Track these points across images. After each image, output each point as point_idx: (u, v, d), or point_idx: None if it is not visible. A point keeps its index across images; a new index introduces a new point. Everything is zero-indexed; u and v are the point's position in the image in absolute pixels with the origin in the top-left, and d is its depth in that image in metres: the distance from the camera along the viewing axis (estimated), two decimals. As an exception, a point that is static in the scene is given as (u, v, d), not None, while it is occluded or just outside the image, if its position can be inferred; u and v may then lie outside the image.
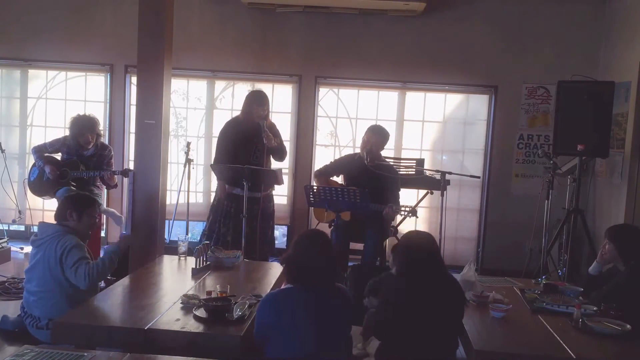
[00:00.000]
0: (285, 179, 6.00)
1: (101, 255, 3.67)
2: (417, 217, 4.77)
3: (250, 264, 4.25)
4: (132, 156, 5.54)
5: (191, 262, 3.94)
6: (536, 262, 5.33)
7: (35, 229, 6.46)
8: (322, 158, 6.26)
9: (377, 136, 4.88)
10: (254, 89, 5.41)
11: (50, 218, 6.16)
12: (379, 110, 6.29)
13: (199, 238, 5.42)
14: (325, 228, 4.91)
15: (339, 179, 5.14)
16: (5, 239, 5.72)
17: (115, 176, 5.24)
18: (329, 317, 2.72)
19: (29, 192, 5.65)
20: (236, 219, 4.88)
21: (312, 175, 5.18)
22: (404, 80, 6.23)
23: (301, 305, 2.70)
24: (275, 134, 5.09)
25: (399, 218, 5.53)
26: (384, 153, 5.09)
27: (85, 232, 3.72)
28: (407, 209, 4.67)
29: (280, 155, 5.14)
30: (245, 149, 4.95)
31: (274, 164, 5.29)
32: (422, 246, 2.99)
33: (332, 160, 5.34)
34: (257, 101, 4.97)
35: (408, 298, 2.87)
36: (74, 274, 3.41)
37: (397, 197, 4.87)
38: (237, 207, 4.86)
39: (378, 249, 4.82)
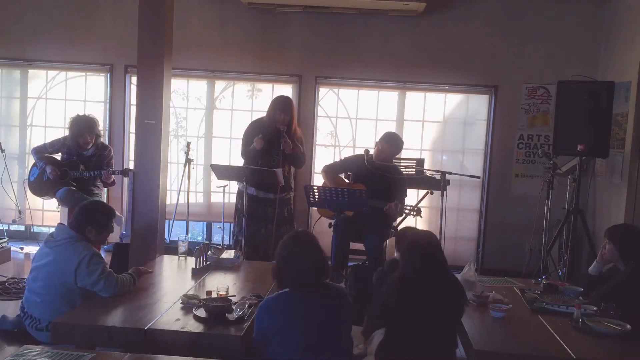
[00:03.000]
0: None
1: None
2: (421, 216, 4.77)
3: (250, 264, 4.26)
4: (132, 156, 5.54)
5: (191, 262, 3.95)
6: (536, 262, 5.33)
7: (36, 229, 6.55)
8: (322, 158, 6.26)
9: (391, 148, 4.88)
10: (280, 95, 5.22)
11: (49, 219, 6.23)
12: (379, 110, 6.29)
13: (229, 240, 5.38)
14: (325, 226, 4.90)
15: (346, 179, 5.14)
16: (5, 239, 5.72)
17: (113, 175, 5.24)
18: (327, 318, 2.71)
19: (28, 192, 5.66)
20: (248, 220, 4.88)
21: (320, 170, 5.18)
22: (404, 80, 6.23)
23: (297, 308, 2.69)
24: (299, 141, 5.07)
25: (399, 219, 5.53)
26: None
27: (103, 241, 3.67)
28: (412, 208, 4.67)
29: (296, 163, 5.13)
30: (265, 151, 4.93)
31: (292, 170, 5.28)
32: (430, 243, 3.00)
33: (342, 158, 5.37)
34: (280, 107, 4.92)
35: (410, 296, 2.87)
36: (102, 282, 3.26)
37: (403, 199, 4.85)
38: (250, 207, 4.86)
39: (378, 250, 4.82)
